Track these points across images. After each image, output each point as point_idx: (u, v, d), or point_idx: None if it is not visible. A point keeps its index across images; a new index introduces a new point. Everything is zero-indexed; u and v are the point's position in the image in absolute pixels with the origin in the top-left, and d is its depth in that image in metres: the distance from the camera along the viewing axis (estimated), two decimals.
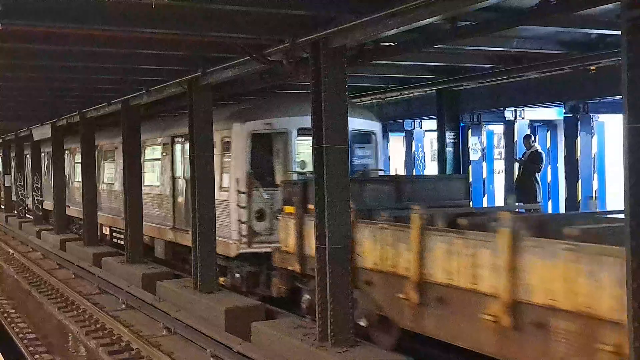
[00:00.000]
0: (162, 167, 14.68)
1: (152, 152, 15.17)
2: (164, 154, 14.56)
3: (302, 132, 11.35)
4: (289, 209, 9.61)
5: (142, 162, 14.81)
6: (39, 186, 24.67)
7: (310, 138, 8.35)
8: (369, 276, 8.21)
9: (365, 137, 10.14)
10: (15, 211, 28.17)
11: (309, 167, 9.99)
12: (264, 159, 12.07)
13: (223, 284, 12.00)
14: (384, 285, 8.00)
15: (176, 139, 13.92)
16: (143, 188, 14.64)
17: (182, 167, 13.69)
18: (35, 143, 24.27)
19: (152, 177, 15.21)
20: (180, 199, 13.65)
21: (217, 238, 11.28)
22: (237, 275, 11.94)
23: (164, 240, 14.40)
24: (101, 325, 11.07)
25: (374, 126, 12.97)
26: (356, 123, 11.82)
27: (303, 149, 11.54)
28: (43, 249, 19.62)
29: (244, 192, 11.50)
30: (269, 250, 10.51)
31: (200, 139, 11.35)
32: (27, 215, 26.99)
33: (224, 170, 12.07)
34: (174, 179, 14.10)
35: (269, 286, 10.95)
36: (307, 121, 8.53)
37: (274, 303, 10.81)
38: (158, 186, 14.93)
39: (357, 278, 8.31)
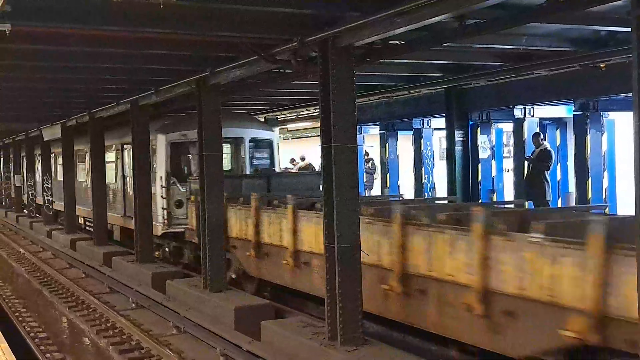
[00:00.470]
0: (115, 167, 17.99)
1: (109, 156, 18.15)
2: (117, 157, 17.92)
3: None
4: (193, 198, 12.74)
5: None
6: (49, 186, 24.79)
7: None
8: (233, 242, 11.74)
9: (263, 143, 12.80)
10: (26, 211, 28.31)
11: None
12: (181, 162, 15.81)
13: (157, 256, 15.07)
14: (242, 248, 11.52)
15: (125, 146, 16.82)
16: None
17: (129, 168, 16.56)
18: (45, 143, 24.37)
19: (110, 175, 18.11)
20: (130, 193, 16.00)
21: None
22: (166, 249, 15.39)
23: (119, 226, 17.88)
24: (111, 324, 11.12)
25: (271, 135, 16.71)
26: (255, 133, 16.05)
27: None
28: (53, 249, 19.70)
29: (165, 187, 14.89)
30: (183, 230, 14.03)
31: (209, 138, 11.38)
32: (37, 215, 27.10)
33: (152, 169, 15.06)
34: (124, 177, 17.39)
35: (184, 256, 14.72)
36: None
37: (189, 268, 14.05)
38: (113, 183, 18.12)
39: (228, 244, 11.67)
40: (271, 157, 16.11)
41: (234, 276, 11.91)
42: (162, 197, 14.84)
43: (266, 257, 11.00)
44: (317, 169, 18.85)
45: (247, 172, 15.43)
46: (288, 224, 10.14)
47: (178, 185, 14.89)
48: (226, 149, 15.38)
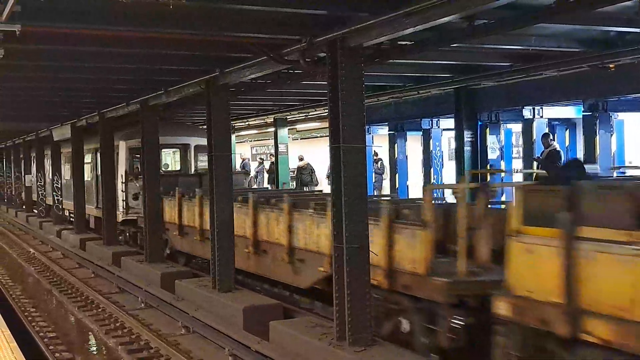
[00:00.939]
0: (91, 167, 21.28)
1: (86, 158, 21.57)
2: (92, 159, 21.05)
3: (163, 146, 17.57)
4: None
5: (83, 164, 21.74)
6: (59, 186, 24.90)
7: (170, 150, 17.70)
8: (167, 226, 15.36)
9: (206, 149, 13.36)
10: (36, 211, 28.41)
11: (170, 167, 19.48)
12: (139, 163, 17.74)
13: (121, 240, 18.49)
14: (171, 229, 15.25)
15: (97, 150, 19.44)
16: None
17: (99, 168, 19.48)
18: (55, 143, 24.48)
19: (86, 175, 21.53)
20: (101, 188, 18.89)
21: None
22: (127, 234, 18.53)
23: (94, 216, 20.90)
24: (120, 324, 11.16)
25: None
26: (199, 140, 18.38)
27: (165, 157, 19.58)
28: (63, 249, 19.78)
29: (124, 183, 17.96)
30: (135, 217, 17.27)
31: (219, 139, 11.41)
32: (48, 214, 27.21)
33: (116, 169, 18.19)
34: (97, 176, 20.12)
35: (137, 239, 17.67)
36: (166, 139, 17.18)
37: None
38: (89, 180, 21.32)
39: (163, 227, 15.22)
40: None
41: (168, 251, 15.53)
42: (122, 191, 18.00)
43: (186, 236, 14.73)
44: (313, 169, 23.69)
45: (192, 173, 18.73)
46: (197, 209, 13.75)
47: (135, 181, 17.69)
48: (176, 154, 19.57)
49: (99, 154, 18.97)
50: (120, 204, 18.00)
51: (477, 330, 7.43)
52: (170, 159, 20.25)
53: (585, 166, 7.35)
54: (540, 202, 6.25)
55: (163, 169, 18.79)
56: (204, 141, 13.59)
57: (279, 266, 11.15)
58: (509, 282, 6.36)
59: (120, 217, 18.08)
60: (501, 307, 6.39)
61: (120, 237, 18.51)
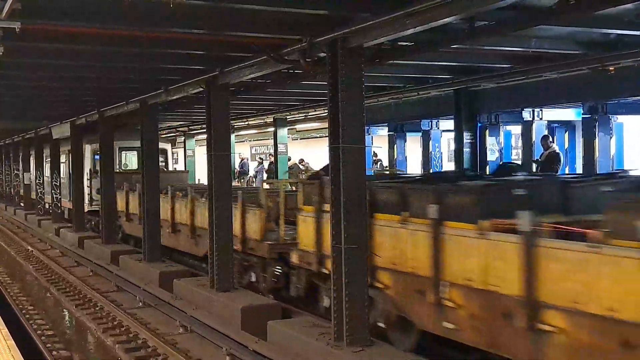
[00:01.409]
0: (65, 167, 24.77)
1: (62, 158, 25.09)
2: (67, 159, 24.24)
3: (122, 149, 21.95)
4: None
5: (59, 163, 25.29)
6: (58, 184, 24.90)
7: (130, 152, 21.81)
8: (119, 214, 18.59)
9: (161, 151, 17.01)
10: (35, 209, 28.41)
11: (129, 167, 22.12)
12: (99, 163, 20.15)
13: (87, 227, 21.74)
14: (122, 217, 18.57)
15: (69, 151, 22.83)
16: (62, 179, 25.11)
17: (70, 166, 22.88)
18: (54, 141, 24.49)
19: (62, 172, 25.03)
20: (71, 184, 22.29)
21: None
22: (92, 223, 21.74)
23: (68, 208, 24.19)
24: (118, 323, 11.15)
25: (166, 146, 23.88)
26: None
27: (125, 157, 22.67)
28: (61, 247, 19.78)
29: (89, 179, 21.50)
30: (98, 209, 19.61)
31: (218, 138, 11.41)
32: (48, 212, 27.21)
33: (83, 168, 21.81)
34: (69, 173, 23.36)
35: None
36: (125, 143, 21.73)
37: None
38: (63, 177, 24.66)
39: (116, 215, 18.43)
40: (165, 161, 23.12)
41: (120, 235, 18.91)
42: (87, 186, 21.54)
43: (131, 221, 18.12)
44: (302, 168, 24.91)
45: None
46: (138, 200, 16.68)
47: (98, 178, 20.00)
48: (134, 156, 22.17)
49: (70, 154, 22.46)
50: (86, 197, 21.56)
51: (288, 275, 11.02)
52: (129, 160, 23.19)
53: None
54: (309, 190, 10.04)
55: (123, 168, 22.12)
56: (159, 145, 16.21)
57: (186, 240, 14.83)
58: (298, 241, 10.22)
59: (86, 208, 21.52)
60: (293, 258, 10.29)
61: (87, 225, 21.89)
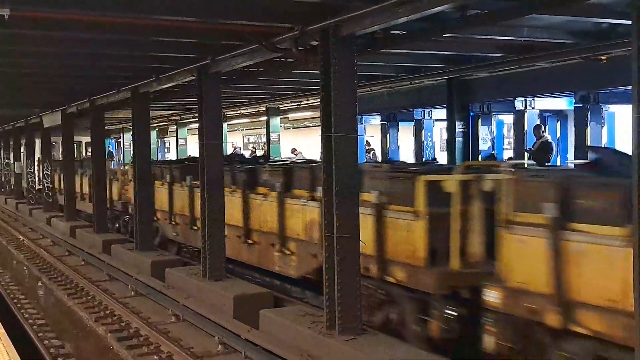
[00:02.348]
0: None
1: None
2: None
3: (88, 144, 26.79)
4: None
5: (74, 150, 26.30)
6: (49, 173, 24.82)
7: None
8: (82, 197, 22.22)
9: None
10: (26, 198, 28.31)
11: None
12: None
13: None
14: (81, 199, 22.13)
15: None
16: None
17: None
18: (45, 130, 24.38)
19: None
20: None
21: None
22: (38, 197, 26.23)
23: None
24: (110, 312, 11.14)
25: (110, 142, 28.65)
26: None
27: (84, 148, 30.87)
28: (53, 236, 19.72)
29: (39, 165, 25.21)
30: None
31: (210, 127, 11.37)
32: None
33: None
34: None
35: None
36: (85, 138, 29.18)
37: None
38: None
39: (78, 197, 22.00)
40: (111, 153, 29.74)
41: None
42: (38, 171, 25.89)
43: (84, 200, 21.87)
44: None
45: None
46: (87, 181, 20.68)
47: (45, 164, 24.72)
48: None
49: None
50: (37, 179, 26.51)
51: None
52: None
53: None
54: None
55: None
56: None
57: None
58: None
59: (36, 187, 26.70)
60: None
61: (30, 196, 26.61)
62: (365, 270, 8.51)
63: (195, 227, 13.85)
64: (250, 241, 12.20)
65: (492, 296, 6.80)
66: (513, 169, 7.10)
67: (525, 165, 10.14)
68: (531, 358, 6.63)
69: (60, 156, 26.03)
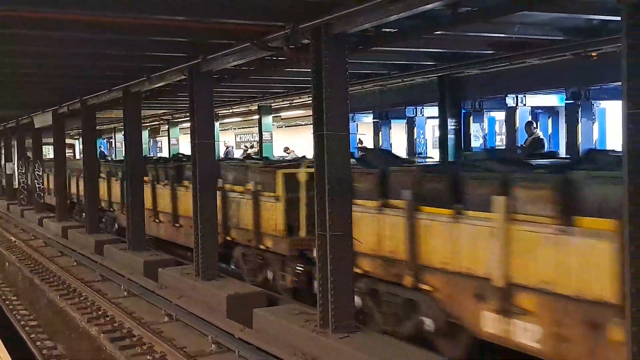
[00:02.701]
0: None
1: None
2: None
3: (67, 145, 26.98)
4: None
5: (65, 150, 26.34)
6: (40, 173, 24.73)
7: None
8: (48, 192, 24.47)
9: (70, 146, 22.33)
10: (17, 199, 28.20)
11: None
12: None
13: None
14: (48, 193, 24.63)
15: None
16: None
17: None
18: (36, 130, 24.29)
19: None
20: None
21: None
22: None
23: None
24: (103, 312, 11.11)
25: (74, 142, 30.76)
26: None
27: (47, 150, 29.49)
28: (45, 237, 19.65)
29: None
30: None
31: (202, 127, 11.35)
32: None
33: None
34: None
35: None
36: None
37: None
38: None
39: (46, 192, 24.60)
40: (73, 152, 29.56)
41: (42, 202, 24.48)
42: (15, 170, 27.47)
43: (50, 194, 23.37)
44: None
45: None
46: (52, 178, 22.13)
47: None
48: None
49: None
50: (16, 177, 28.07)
51: None
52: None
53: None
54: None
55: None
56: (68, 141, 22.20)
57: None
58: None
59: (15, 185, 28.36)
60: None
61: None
62: (248, 241, 11.67)
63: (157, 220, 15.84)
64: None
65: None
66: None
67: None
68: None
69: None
